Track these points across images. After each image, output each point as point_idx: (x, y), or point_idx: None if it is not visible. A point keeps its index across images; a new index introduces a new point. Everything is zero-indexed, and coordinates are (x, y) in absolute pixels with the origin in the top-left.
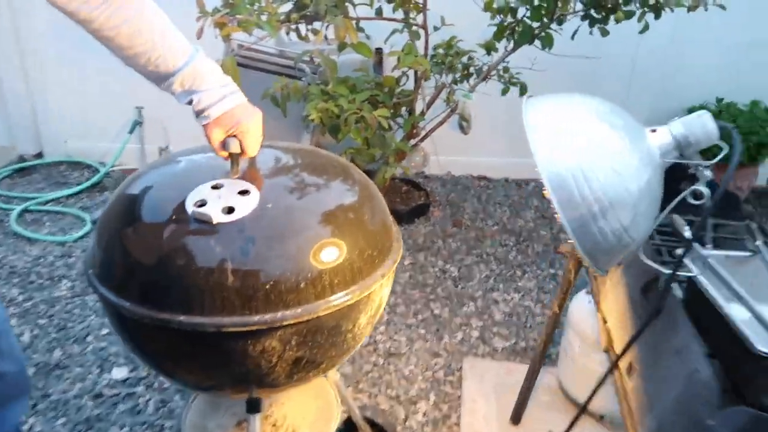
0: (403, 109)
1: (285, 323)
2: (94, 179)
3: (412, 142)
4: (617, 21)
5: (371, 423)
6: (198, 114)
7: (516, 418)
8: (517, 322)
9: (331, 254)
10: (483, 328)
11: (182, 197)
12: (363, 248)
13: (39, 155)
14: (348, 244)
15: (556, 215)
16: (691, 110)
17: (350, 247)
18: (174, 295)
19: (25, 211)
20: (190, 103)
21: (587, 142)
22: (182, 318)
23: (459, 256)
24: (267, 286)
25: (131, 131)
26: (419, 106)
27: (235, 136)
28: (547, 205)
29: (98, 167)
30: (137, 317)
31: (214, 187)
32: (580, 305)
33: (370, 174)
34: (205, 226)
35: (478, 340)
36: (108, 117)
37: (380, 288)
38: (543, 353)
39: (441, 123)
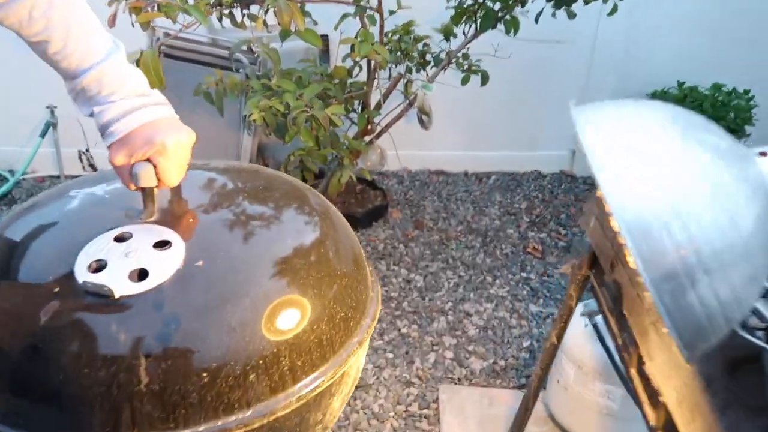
0: (356, 102)
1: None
2: (3, 190)
3: (367, 138)
4: (586, 2)
5: None
6: (102, 131)
7: None
8: (494, 337)
9: (290, 319)
10: (457, 347)
11: (70, 257)
12: (332, 308)
13: None
14: (313, 303)
15: (638, 278)
16: (653, 95)
17: (316, 308)
18: (56, 412)
19: None
20: (92, 115)
21: (677, 172)
22: None
23: (423, 262)
24: (200, 385)
25: (43, 134)
26: (374, 99)
27: (148, 160)
28: (511, 200)
29: (7, 176)
30: None
31: (119, 239)
32: (575, 329)
33: (320, 177)
34: (103, 301)
35: (452, 361)
36: (15, 117)
37: (357, 359)
38: (537, 390)
39: (398, 117)
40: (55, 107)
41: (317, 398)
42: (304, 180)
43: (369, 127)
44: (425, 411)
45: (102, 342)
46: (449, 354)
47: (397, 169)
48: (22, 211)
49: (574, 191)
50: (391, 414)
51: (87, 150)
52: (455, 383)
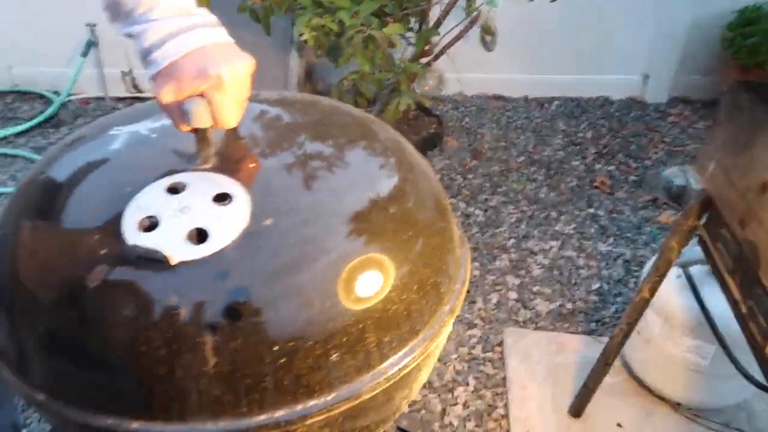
0: (413, 21)
1: (309, 421)
2: (48, 112)
3: (424, 61)
4: None
5: None
6: (143, 58)
7: (577, 410)
8: (560, 278)
9: (376, 287)
10: (521, 288)
11: (117, 209)
12: (421, 272)
13: None
14: (399, 266)
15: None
16: (743, 12)
17: (403, 273)
18: (112, 393)
19: None
20: (131, 36)
21: None
22: (135, 426)
23: (483, 195)
24: (275, 366)
25: (84, 54)
26: (432, 17)
27: (202, 95)
28: (576, 128)
29: (52, 97)
30: (61, 417)
31: (172, 190)
32: (667, 281)
33: (373, 104)
34: (158, 268)
35: (516, 303)
36: (57, 37)
37: (448, 329)
38: (620, 345)
39: (458, 37)
40: (95, 25)
41: (406, 376)
42: (357, 106)
43: (427, 48)
44: (489, 354)
45: (160, 316)
46: (513, 295)
47: (451, 93)
48: (62, 149)
49: (645, 120)
50: (454, 357)
51: (130, 71)
52: (520, 326)
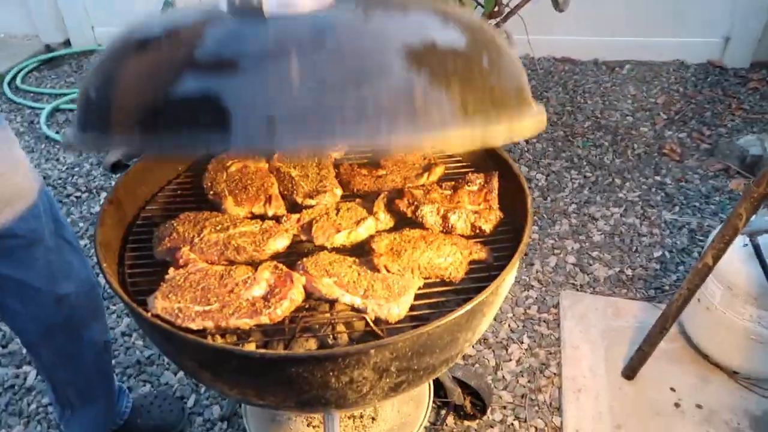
0: None
1: (389, 351)
2: None
3: (493, 22)
4: None
5: (462, 384)
6: None
7: (630, 372)
8: (621, 245)
9: None
10: (580, 252)
11: None
12: None
13: (66, 44)
14: None
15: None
16: None
17: None
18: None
19: (56, 110)
20: None
21: None
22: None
23: (546, 160)
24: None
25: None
26: None
27: None
28: (647, 94)
29: None
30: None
31: None
32: (732, 249)
33: None
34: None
35: (575, 267)
36: None
37: (512, 276)
38: (679, 311)
39: None
40: None
41: (480, 306)
42: None
43: (496, 9)
44: (544, 315)
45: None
46: (571, 259)
47: (519, 56)
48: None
49: (723, 85)
50: (509, 315)
51: None
52: (577, 290)
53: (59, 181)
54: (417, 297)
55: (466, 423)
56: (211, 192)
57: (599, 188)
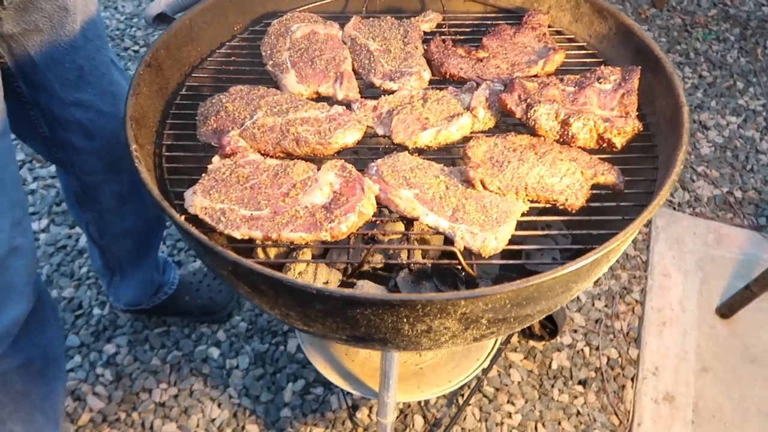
0: None
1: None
2: None
3: None
4: None
5: None
6: None
7: (727, 310)
8: (733, 161)
9: None
10: (683, 165)
11: None
12: None
13: None
14: None
15: None
16: None
17: None
18: None
19: None
20: None
21: None
22: None
23: None
24: None
25: None
26: None
27: None
28: None
29: None
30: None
31: None
32: None
33: None
34: None
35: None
36: None
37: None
38: None
39: None
40: None
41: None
42: None
43: None
44: None
45: None
46: None
47: None
48: None
49: None
50: None
51: None
52: (674, 209)
53: (117, 32)
54: (518, 225)
55: (531, 343)
56: (271, 62)
57: (716, 91)
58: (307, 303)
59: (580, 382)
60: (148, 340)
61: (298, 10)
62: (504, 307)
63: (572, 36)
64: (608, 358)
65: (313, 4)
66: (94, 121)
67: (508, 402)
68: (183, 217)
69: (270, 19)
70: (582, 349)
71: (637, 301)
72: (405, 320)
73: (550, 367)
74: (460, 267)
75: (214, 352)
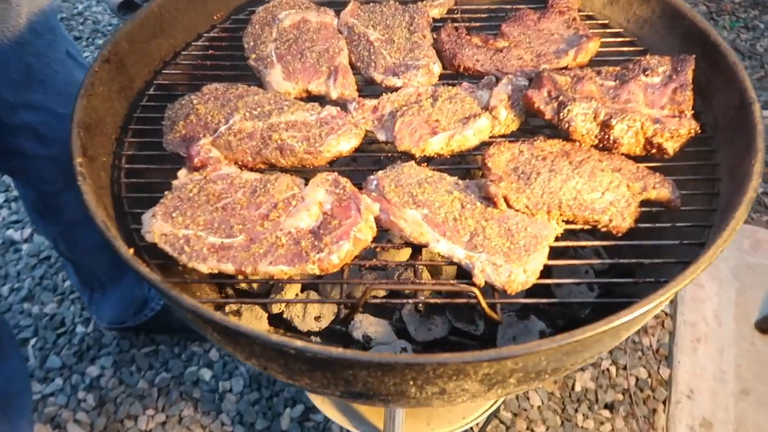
0: None
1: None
2: None
3: None
4: None
5: None
6: None
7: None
8: (767, 157)
9: None
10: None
11: None
12: None
13: None
14: None
15: None
16: None
17: None
18: None
19: None
20: None
21: None
22: None
23: None
24: None
25: None
26: None
27: None
28: None
29: None
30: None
31: None
32: None
33: None
34: None
35: None
36: None
37: None
38: None
39: None
40: None
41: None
42: None
43: None
44: None
45: None
46: None
47: None
48: None
49: None
50: None
51: None
52: None
53: (109, 29)
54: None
55: None
56: (254, 55)
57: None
58: (288, 358)
59: (606, 406)
60: (134, 360)
61: None
62: (538, 364)
63: (606, 21)
64: (637, 379)
65: None
66: (47, 124)
67: (527, 429)
68: (131, 251)
69: (256, 6)
70: (608, 369)
71: (667, 314)
72: (412, 382)
73: (573, 389)
74: (479, 306)
75: (206, 374)
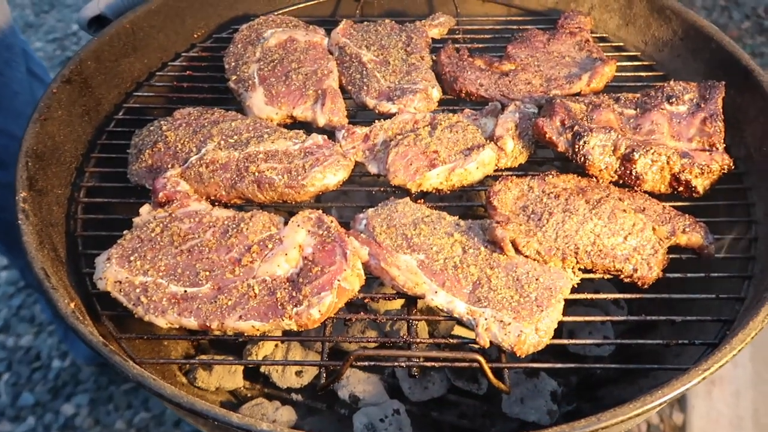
0: None
1: None
2: None
3: None
4: None
5: None
6: None
7: None
8: None
9: None
10: None
11: None
12: None
13: None
14: None
15: None
16: None
17: None
18: None
19: None
20: None
21: None
22: None
23: None
24: None
25: None
26: None
27: None
28: None
29: None
30: None
31: None
32: None
33: None
34: None
35: None
36: None
37: None
38: None
39: None
40: None
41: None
42: None
43: None
44: None
45: None
46: None
47: None
48: None
49: None
50: None
51: None
52: None
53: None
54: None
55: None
56: (234, 76)
57: None
58: None
59: None
60: (112, 398)
61: (276, 13)
62: None
63: (620, 43)
64: (649, 425)
65: (296, 6)
66: (7, 148)
67: None
68: (72, 305)
69: (240, 24)
70: None
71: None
72: None
73: None
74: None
75: None
